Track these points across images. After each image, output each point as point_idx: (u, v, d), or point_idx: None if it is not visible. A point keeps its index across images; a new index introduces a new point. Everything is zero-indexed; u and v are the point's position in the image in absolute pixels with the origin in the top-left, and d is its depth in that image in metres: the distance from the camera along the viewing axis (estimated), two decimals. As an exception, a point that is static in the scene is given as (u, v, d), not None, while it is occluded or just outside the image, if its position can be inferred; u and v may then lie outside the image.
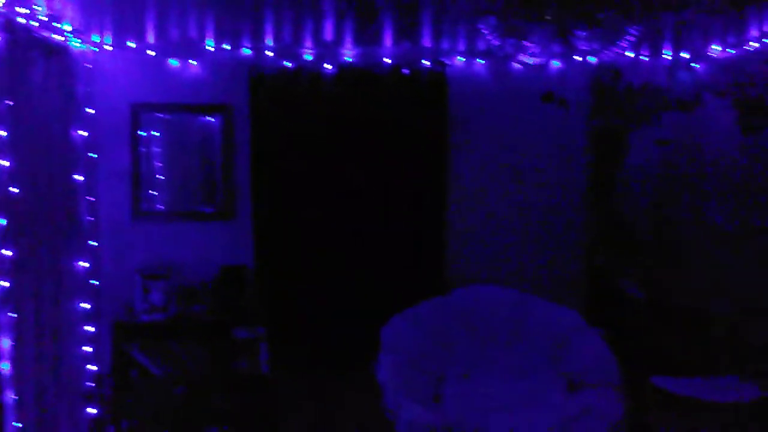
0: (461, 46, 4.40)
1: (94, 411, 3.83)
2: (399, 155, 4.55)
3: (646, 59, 4.49)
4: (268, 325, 4.19)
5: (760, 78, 3.91)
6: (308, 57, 4.34)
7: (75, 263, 3.72)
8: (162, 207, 4.37)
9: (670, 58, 4.45)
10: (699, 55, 4.35)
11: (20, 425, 2.94)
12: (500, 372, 4.09)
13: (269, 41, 4.17)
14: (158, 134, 4.33)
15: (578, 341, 4.11)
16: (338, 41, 4.23)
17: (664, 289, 4.35)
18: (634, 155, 4.63)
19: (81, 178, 3.75)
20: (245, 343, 4.14)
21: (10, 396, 2.88)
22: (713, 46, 4.17)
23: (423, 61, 4.44)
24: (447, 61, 4.48)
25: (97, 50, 4.08)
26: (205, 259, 4.36)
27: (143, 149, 4.28)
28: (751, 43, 3.88)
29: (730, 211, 4.16)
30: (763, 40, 3.79)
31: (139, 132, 4.26)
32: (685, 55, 4.38)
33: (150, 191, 4.33)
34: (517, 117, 4.64)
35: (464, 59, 4.50)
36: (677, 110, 4.45)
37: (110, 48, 4.09)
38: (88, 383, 3.85)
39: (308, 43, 4.25)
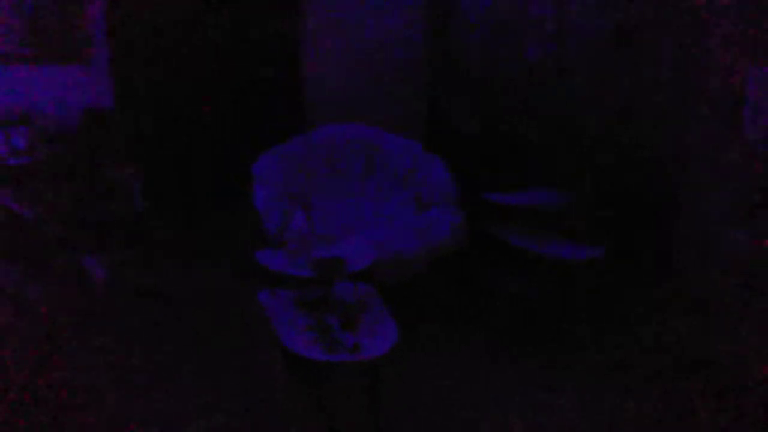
0: None
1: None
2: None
3: None
4: (137, 166, 4.34)
5: None
6: None
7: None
8: (12, 49, 4.19)
9: None
10: None
11: None
12: (360, 199, 4.66)
13: None
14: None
15: (423, 168, 4.74)
16: None
17: (488, 120, 5.07)
18: (465, 4, 5.16)
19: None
20: (117, 183, 4.29)
21: None
22: None
23: None
24: None
25: None
26: (65, 103, 4.34)
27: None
28: None
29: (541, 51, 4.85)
30: None
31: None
32: None
33: (-3, 32, 4.14)
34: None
35: None
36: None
37: None
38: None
39: None
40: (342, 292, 3.26)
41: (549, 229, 4.44)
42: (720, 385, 3.16)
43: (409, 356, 3.27)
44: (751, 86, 3.58)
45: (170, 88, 4.60)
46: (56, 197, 4.18)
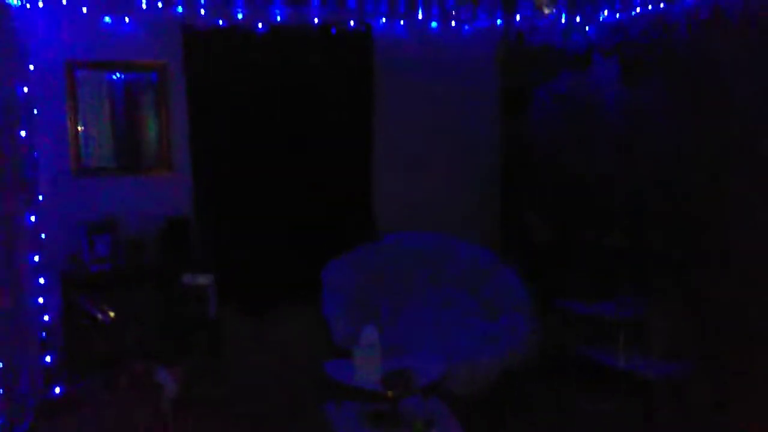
0: (383, 8, 4.80)
1: (49, 360, 3.96)
2: (328, 110, 4.87)
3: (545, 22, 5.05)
4: (214, 272, 4.42)
5: (640, 39, 4.50)
6: (240, 16, 4.56)
7: (25, 217, 3.79)
8: (101, 162, 4.47)
9: (564, 21, 5.00)
10: (590, 19, 4.92)
11: None
12: (429, 305, 4.58)
13: (201, -1, 4.39)
14: (94, 90, 4.41)
15: (493, 276, 4.64)
16: (268, 0, 4.54)
17: (566, 226, 4.96)
18: (537, 109, 5.19)
19: (24, 133, 3.80)
20: (193, 289, 4.37)
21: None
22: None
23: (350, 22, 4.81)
24: (371, 22, 4.85)
25: (29, 6, 4.10)
26: (147, 211, 4.53)
27: (80, 105, 4.35)
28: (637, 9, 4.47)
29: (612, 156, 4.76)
30: (645, 6, 4.38)
31: (74, 88, 4.32)
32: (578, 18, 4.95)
33: (89, 147, 4.43)
34: (434, 74, 5.11)
35: (386, 20, 4.90)
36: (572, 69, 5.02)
37: (42, 4, 4.14)
38: (42, 333, 3.96)
39: (239, 2, 4.51)
40: (411, 407, 3.15)
41: (627, 341, 4.18)
42: None
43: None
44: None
45: (245, 196, 4.76)
46: (134, 303, 4.29)
